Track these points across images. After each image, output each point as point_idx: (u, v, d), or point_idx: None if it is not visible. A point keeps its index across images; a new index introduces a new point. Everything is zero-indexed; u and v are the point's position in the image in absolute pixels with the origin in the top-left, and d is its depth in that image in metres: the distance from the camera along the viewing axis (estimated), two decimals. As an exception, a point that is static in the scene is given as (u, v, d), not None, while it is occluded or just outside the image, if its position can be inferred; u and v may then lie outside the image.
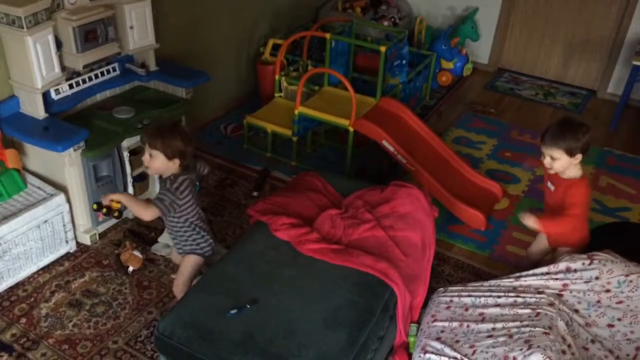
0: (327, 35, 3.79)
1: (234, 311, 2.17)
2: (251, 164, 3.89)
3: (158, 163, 2.39)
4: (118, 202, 2.39)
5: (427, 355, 2.41)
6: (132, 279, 2.93)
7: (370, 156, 3.68)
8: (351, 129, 3.60)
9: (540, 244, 2.88)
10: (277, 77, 4.08)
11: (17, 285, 2.83)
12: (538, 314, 2.36)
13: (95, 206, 2.44)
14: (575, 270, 2.46)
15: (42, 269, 2.93)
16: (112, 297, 2.82)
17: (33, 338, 2.59)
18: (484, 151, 4.19)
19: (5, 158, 2.80)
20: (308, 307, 2.22)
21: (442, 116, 4.66)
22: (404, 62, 4.07)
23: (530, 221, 2.59)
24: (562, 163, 2.53)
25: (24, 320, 2.67)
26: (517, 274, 2.62)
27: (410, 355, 2.54)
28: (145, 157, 2.41)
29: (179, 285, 2.61)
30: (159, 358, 2.36)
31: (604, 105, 4.93)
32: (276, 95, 4.14)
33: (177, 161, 2.40)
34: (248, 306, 2.19)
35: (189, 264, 2.57)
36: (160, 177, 2.53)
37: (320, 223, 2.61)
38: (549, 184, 2.71)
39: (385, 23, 5.04)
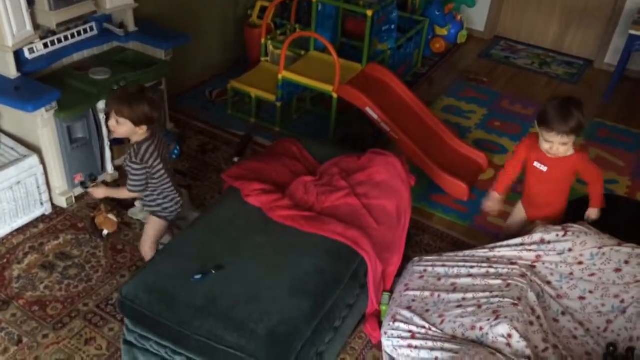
0: (313, -2, 3.69)
1: (198, 276, 2.14)
2: (235, 130, 3.83)
3: (125, 129, 2.36)
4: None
5: (397, 324, 2.40)
6: (107, 242, 2.91)
7: (354, 123, 3.61)
8: (335, 95, 3.53)
9: (517, 216, 2.83)
10: (263, 40, 3.99)
11: (-9, 246, 2.82)
12: (509, 284, 2.34)
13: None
14: (549, 242, 2.42)
15: (17, 230, 2.92)
16: (86, 260, 2.81)
17: (3, 299, 2.59)
18: (473, 121, 4.12)
19: (-24, 118, 2.75)
20: (274, 274, 2.20)
21: (433, 84, 4.58)
22: (392, 27, 3.97)
23: (594, 214, 2.58)
24: (568, 146, 2.44)
25: (-5, 281, 2.67)
26: (492, 245, 2.59)
27: (381, 323, 2.53)
28: (112, 123, 2.38)
29: (144, 246, 2.60)
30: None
31: (600, 76, 4.82)
32: (262, 59, 4.05)
33: (144, 127, 2.36)
34: (213, 271, 2.17)
35: (150, 225, 2.56)
36: (129, 141, 2.49)
37: (293, 189, 2.57)
38: (537, 164, 2.57)
39: (379, -13, 4.90)
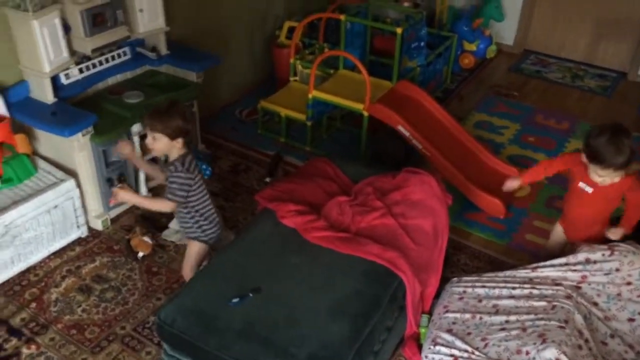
0: (342, 17, 3.69)
1: (236, 300, 2.13)
2: (265, 149, 3.83)
3: (161, 144, 2.37)
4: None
5: (437, 347, 2.34)
6: (142, 264, 2.92)
7: (386, 141, 3.58)
8: (365, 114, 3.51)
9: (556, 236, 2.75)
10: (292, 60, 4.00)
11: (29, 270, 2.84)
12: (554, 306, 2.26)
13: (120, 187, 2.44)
14: (595, 262, 2.34)
15: (54, 253, 2.94)
16: (122, 282, 2.82)
17: (42, 323, 2.60)
18: (506, 136, 4.05)
19: (15, 143, 2.79)
20: (312, 297, 2.17)
21: (464, 100, 4.52)
22: (422, 44, 3.94)
23: (617, 235, 2.49)
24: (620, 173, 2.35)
25: (34, 304, 2.68)
26: (534, 265, 2.52)
27: (420, 346, 2.47)
28: (149, 140, 2.40)
29: (186, 270, 2.59)
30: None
31: (634, 88, 4.71)
32: (291, 79, 4.06)
33: (180, 140, 2.37)
34: (251, 295, 2.15)
35: (192, 250, 2.55)
36: (166, 161, 2.50)
37: (328, 210, 2.55)
38: (582, 185, 2.48)
39: (406, 4, 4.88)
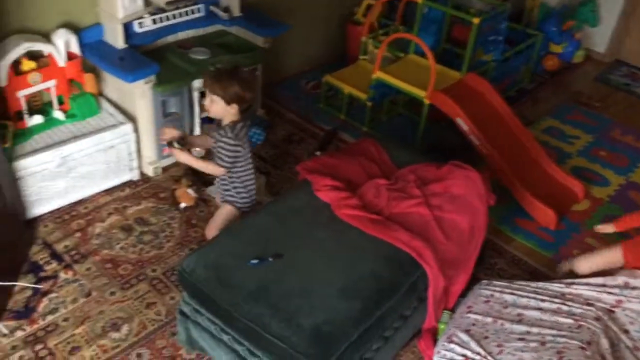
0: (419, 0, 3.60)
1: (255, 261, 2.16)
2: (323, 124, 3.84)
3: (217, 107, 2.43)
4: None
5: (452, 345, 2.29)
6: (183, 215, 3.02)
7: (444, 133, 3.49)
8: (426, 101, 3.43)
9: (613, 258, 2.56)
10: (363, 38, 3.96)
11: (79, 202, 3.01)
12: (580, 326, 2.15)
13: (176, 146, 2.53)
14: (634, 288, 2.20)
15: (105, 191, 3.10)
16: (161, 228, 2.94)
17: (82, 252, 2.76)
18: (576, 147, 3.84)
19: (83, 81, 2.95)
20: (330, 272, 2.17)
21: (539, 103, 4.31)
22: (500, 38, 3.78)
23: (606, 230, 2.39)
24: None
25: (78, 234, 2.85)
26: (569, 280, 2.40)
27: (436, 341, 2.42)
28: (207, 101, 2.47)
29: (210, 229, 2.64)
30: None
31: None
32: (361, 57, 4.02)
33: (235, 106, 2.42)
34: (270, 259, 2.18)
35: (223, 212, 2.61)
36: (218, 124, 2.56)
37: (364, 190, 2.52)
38: None
39: (495, -4, 4.69)
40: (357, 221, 2.37)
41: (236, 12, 3.38)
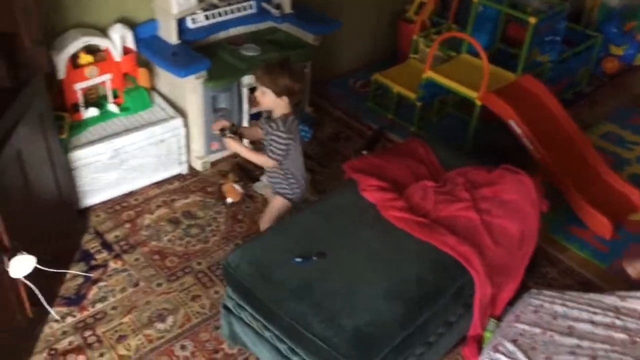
0: (474, -2, 3.51)
1: (299, 259, 2.16)
2: (371, 123, 3.80)
3: (267, 99, 2.46)
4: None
5: (497, 355, 2.22)
6: (229, 210, 3.05)
7: (496, 135, 3.40)
8: (478, 102, 3.34)
9: None
10: (415, 37, 3.90)
11: (130, 194, 3.08)
12: (635, 342, 2.05)
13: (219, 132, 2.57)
14: (696, 305, 2.08)
15: (155, 183, 3.16)
16: (207, 222, 2.97)
17: (131, 243, 2.83)
18: (635, 153, 3.67)
19: (137, 76, 3.02)
20: (374, 273, 2.14)
21: (597, 106, 4.15)
22: (557, 38, 3.65)
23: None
24: None
25: (128, 225, 2.92)
26: (625, 293, 2.29)
27: (481, 349, 2.36)
28: (257, 93, 2.49)
29: (264, 222, 2.68)
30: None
31: None
32: (411, 56, 3.96)
33: (285, 99, 2.43)
34: (314, 258, 2.17)
35: (276, 204, 2.62)
36: (268, 116, 2.57)
37: (411, 192, 2.48)
38: None
39: (553, -5, 4.53)
40: (403, 223, 2.34)
41: (287, 8, 3.38)
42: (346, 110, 3.91)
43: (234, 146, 2.55)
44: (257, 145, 2.89)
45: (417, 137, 2.95)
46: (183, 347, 2.39)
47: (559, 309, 2.35)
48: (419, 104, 3.62)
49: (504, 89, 3.37)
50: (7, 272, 2.01)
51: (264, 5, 3.34)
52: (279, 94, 2.41)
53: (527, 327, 2.31)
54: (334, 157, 3.49)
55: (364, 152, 3.45)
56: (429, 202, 2.45)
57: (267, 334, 2.16)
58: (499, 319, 2.43)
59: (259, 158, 2.56)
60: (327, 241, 2.27)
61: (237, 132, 2.58)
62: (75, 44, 2.72)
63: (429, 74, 3.50)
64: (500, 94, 3.28)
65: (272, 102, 2.46)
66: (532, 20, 3.32)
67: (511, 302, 2.46)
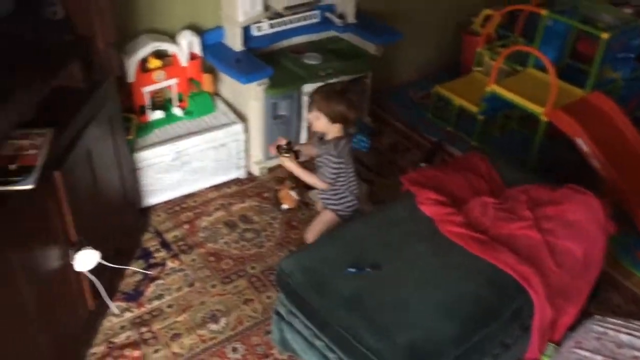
0: (543, 12, 3.41)
1: (352, 270, 2.14)
2: (430, 135, 3.75)
3: (320, 123, 2.51)
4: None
5: (555, 381, 2.14)
6: (284, 216, 3.08)
7: (562, 153, 3.28)
8: (544, 118, 3.24)
9: None
10: (479, 49, 3.83)
11: (190, 196, 3.16)
12: None
13: (287, 155, 2.66)
14: None
15: (213, 186, 3.22)
16: (263, 227, 3.01)
17: (189, 244, 2.89)
18: None
19: (202, 81, 3.10)
20: (428, 288, 2.10)
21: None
22: (631, 55, 3.50)
23: None
24: None
25: (186, 226, 2.98)
26: (698, 326, 2.15)
27: (538, 374, 2.27)
28: (312, 115, 2.53)
29: (310, 234, 2.68)
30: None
31: None
32: (475, 69, 3.89)
33: (338, 125, 2.45)
34: (368, 269, 2.15)
35: (324, 218, 2.63)
36: (321, 138, 2.61)
37: (470, 207, 2.42)
38: None
39: (628, 10, 4.34)
40: (460, 239, 2.28)
41: (351, 18, 3.40)
42: (405, 121, 3.88)
43: (288, 165, 2.64)
44: (311, 161, 2.92)
45: (477, 152, 2.89)
46: (234, 350, 2.42)
47: (624, 337, 2.23)
48: (481, 117, 3.55)
49: (572, 105, 3.25)
50: (72, 265, 2.10)
51: (328, 14, 3.37)
52: (333, 120, 2.44)
53: (588, 354, 2.20)
54: (392, 169, 3.46)
55: (422, 165, 3.41)
56: (488, 219, 2.38)
57: (317, 343, 2.16)
58: (559, 344, 2.33)
59: (312, 179, 2.63)
60: (381, 253, 2.24)
61: (292, 150, 2.64)
62: (146, 49, 2.82)
63: (493, 87, 3.42)
64: (568, 111, 3.17)
65: (325, 126, 2.51)
66: (605, 36, 3.20)
67: (572, 328, 2.36)
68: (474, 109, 3.57)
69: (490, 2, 4.31)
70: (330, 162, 2.49)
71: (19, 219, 1.75)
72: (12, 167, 1.76)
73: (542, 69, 3.57)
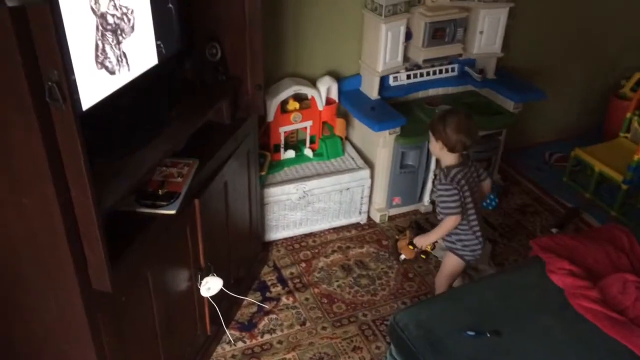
0: None
1: (472, 333, 2.04)
2: (564, 200, 3.54)
3: (434, 148, 2.45)
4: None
5: None
6: (401, 266, 3.03)
7: None
8: (700, 195, 2.93)
9: None
10: (629, 114, 3.58)
11: (310, 235, 3.23)
12: None
13: (411, 247, 2.65)
14: None
15: (333, 228, 3.27)
16: (378, 275, 2.98)
17: (304, 282, 2.94)
18: None
19: (335, 125, 3.19)
20: (553, 365, 1.94)
21: None
22: None
23: None
24: None
25: (303, 264, 3.04)
26: None
27: None
28: (431, 139, 2.47)
29: (440, 281, 2.64)
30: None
31: None
32: (621, 134, 3.64)
33: (449, 153, 2.37)
34: (488, 335, 2.04)
35: (448, 261, 2.56)
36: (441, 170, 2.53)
37: (608, 283, 2.22)
38: None
39: None
40: (593, 316, 2.10)
41: (491, 74, 3.35)
42: (537, 183, 3.70)
43: (423, 241, 2.60)
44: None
45: (618, 223, 2.67)
46: (338, 396, 2.39)
47: None
48: (625, 186, 3.29)
49: None
50: (198, 289, 2.22)
51: (467, 69, 3.35)
52: (447, 146, 2.37)
53: None
54: (518, 231, 3.29)
55: (554, 231, 3.22)
56: (628, 298, 2.17)
57: (425, 402, 2.07)
58: None
59: (443, 227, 2.47)
60: (502, 319, 2.12)
61: (420, 227, 2.60)
62: (287, 92, 2.97)
63: (643, 156, 3.17)
64: None
65: (437, 150, 2.43)
66: None
67: None
68: (617, 176, 3.32)
69: (644, 66, 4.05)
70: (442, 190, 2.37)
71: (159, 241, 1.89)
72: (161, 192, 1.91)
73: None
